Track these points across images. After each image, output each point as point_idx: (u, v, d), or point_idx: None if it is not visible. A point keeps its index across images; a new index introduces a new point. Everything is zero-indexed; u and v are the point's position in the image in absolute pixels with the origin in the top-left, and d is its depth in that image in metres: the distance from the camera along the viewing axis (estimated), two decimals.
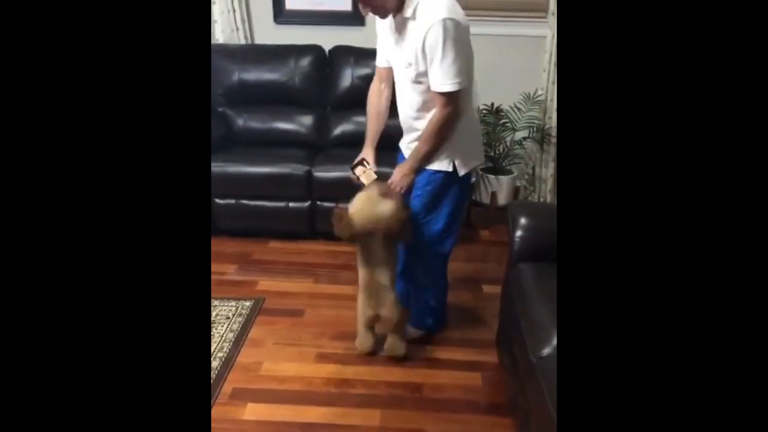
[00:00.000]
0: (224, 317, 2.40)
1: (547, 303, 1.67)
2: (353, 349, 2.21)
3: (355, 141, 3.35)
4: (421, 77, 1.87)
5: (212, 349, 2.19)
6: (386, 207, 1.94)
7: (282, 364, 2.14)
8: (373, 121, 2.20)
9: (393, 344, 2.15)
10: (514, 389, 1.82)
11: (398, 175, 2.03)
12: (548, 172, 3.58)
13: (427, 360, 2.18)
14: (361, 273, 2.08)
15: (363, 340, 2.18)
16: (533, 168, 3.62)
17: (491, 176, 3.34)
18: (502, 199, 3.36)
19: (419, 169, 2.01)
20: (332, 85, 3.39)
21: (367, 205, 1.97)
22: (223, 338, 2.27)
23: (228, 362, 2.13)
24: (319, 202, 3.10)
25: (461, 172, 2.01)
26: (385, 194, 1.98)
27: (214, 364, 2.11)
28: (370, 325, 2.15)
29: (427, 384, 2.04)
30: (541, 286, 1.76)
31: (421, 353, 2.22)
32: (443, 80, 1.81)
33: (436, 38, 1.75)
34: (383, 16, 1.88)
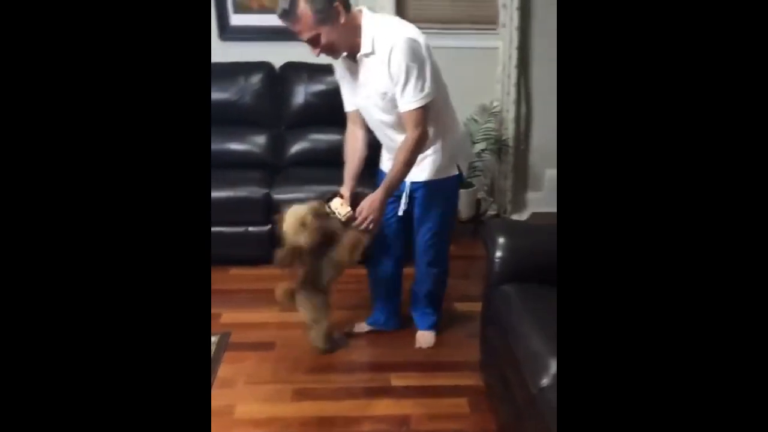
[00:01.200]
0: None
1: (540, 328, 1.62)
2: (331, 382, 2.12)
3: (314, 160, 3.26)
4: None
5: None
6: (306, 231, 1.93)
7: (257, 406, 2.01)
8: (350, 164, 2.13)
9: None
10: (506, 417, 1.77)
11: (369, 207, 1.94)
12: (507, 183, 3.58)
13: (409, 388, 2.10)
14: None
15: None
16: (492, 180, 3.62)
17: None
18: (464, 212, 3.33)
19: (390, 196, 1.98)
20: (286, 103, 3.28)
21: (292, 224, 1.94)
22: None
23: None
24: None
25: (464, 171, 2.14)
26: (318, 215, 1.96)
27: None
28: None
29: (413, 415, 1.96)
30: (530, 310, 1.72)
31: (402, 380, 2.14)
32: (410, 99, 1.83)
33: (398, 61, 1.78)
34: (336, 56, 1.90)
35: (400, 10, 3.30)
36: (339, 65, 1.99)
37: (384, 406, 2.01)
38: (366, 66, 1.87)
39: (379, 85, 1.85)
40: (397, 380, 2.14)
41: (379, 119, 1.98)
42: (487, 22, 3.42)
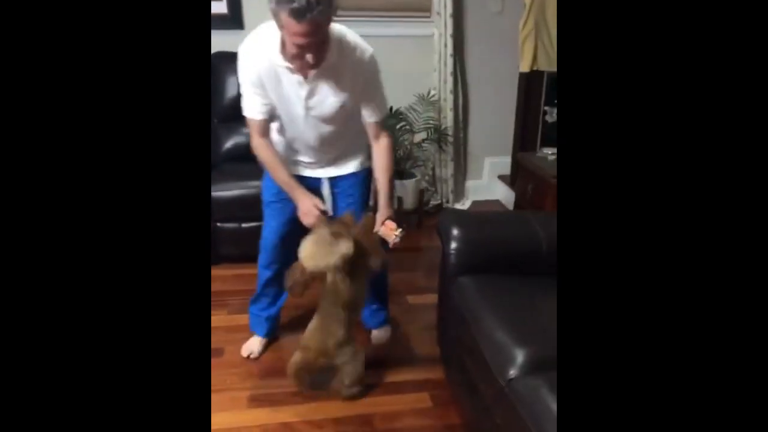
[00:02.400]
0: None
1: (503, 320, 1.63)
2: (287, 386, 2.04)
3: (249, 154, 3.13)
4: (353, 113, 1.84)
5: None
6: (342, 246, 1.71)
7: (213, 416, 1.91)
8: (283, 169, 1.94)
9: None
10: (472, 409, 1.76)
11: (392, 225, 1.86)
12: (448, 172, 3.60)
13: (369, 387, 2.06)
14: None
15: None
16: (433, 169, 3.62)
17: (396, 181, 3.28)
18: (408, 203, 3.32)
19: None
20: (217, 95, 3.13)
21: (319, 249, 1.74)
22: None
23: None
24: (219, 224, 2.86)
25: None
26: (337, 233, 1.75)
27: None
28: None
29: (377, 414, 1.93)
30: (489, 302, 1.72)
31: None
32: (382, 109, 1.89)
33: (370, 74, 1.79)
34: (315, 69, 1.67)
35: None
36: (262, 70, 1.73)
37: (346, 407, 1.96)
38: (323, 77, 1.71)
39: (339, 96, 1.75)
40: None
41: (317, 132, 1.85)
42: (421, 9, 3.40)
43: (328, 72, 1.71)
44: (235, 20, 3.25)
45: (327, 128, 1.86)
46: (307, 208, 1.88)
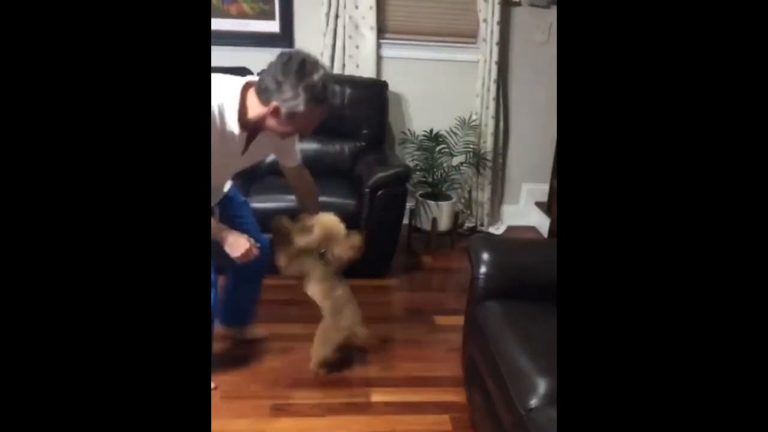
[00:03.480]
0: None
1: (527, 347, 1.62)
2: (310, 398, 2.08)
3: None
4: None
5: None
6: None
7: (234, 422, 1.96)
8: None
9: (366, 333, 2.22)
10: None
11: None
12: (485, 195, 3.60)
13: (390, 404, 2.07)
14: (324, 290, 2.13)
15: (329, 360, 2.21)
16: (469, 192, 3.63)
17: (431, 202, 3.30)
18: (442, 224, 3.33)
19: None
20: None
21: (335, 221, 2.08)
22: None
23: None
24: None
25: None
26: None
27: None
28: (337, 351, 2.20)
29: None
30: (515, 329, 1.72)
31: (382, 396, 2.11)
32: (297, 154, 2.07)
33: None
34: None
35: (381, 22, 3.30)
36: (219, 144, 1.69)
37: (366, 423, 1.97)
38: (262, 135, 1.81)
39: (268, 150, 1.99)
40: (377, 396, 2.11)
41: (227, 178, 2.09)
42: (468, 35, 3.44)
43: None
44: (285, 39, 3.36)
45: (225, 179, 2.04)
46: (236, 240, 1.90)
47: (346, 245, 2.08)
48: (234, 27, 3.30)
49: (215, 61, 3.33)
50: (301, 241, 2.06)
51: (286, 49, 1.66)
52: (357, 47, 3.31)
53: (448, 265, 3.26)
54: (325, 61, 3.34)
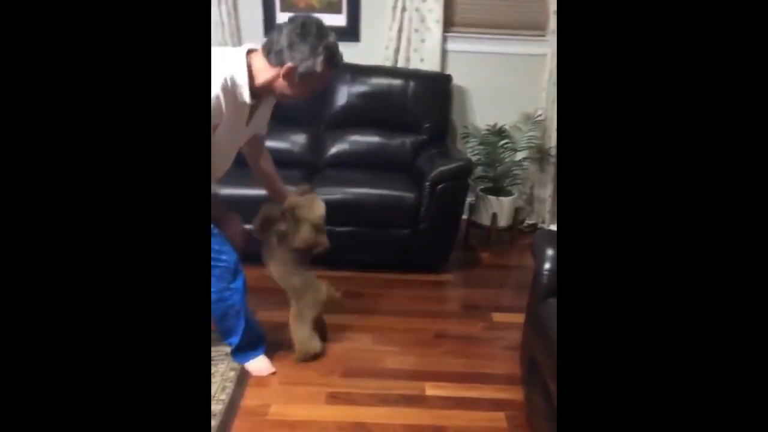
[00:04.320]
0: (223, 353, 2.24)
1: None
2: (365, 387, 2.09)
3: (352, 161, 3.25)
4: None
5: (213, 391, 2.03)
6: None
7: (291, 407, 1.99)
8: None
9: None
10: None
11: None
12: (546, 192, 3.52)
13: (444, 399, 2.06)
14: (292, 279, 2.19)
15: (314, 344, 2.24)
16: (531, 188, 3.55)
17: (492, 197, 3.25)
18: (503, 220, 3.27)
19: None
20: (327, 103, 3.27)
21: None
22: (225, 377, 2.11)
23: (232, 406, 1.97)
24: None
25: None
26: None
27: (217, 407, 1.95)
28: (316, 325, 2.26)
29: (449, 427, 1.92)
30: None
31: (437, 390, 2.10)
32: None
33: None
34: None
35: (448, 15, 3.27)
36: (223, 113, 1.70)
37: (419, 416, 1.97)
38: (263, 106, 1.89)
39: (264, 120, 2.01)
40: (432, 390, 2.10)
41: (232, 157, 1.99)
42: (536, 28, 3.36)
43: (270, 100, 1.88)
44: (352, 33, 3.38)
45: (235, 153, 1.98)
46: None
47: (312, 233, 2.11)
48: None
49: None
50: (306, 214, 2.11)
51: (296, 14, 1.73)
52: (423, 41, 3.30)
53: (507, 262, 3.20)
54: (389, 54, 3.34)
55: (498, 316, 2.61)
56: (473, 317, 2.60)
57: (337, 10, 3.35)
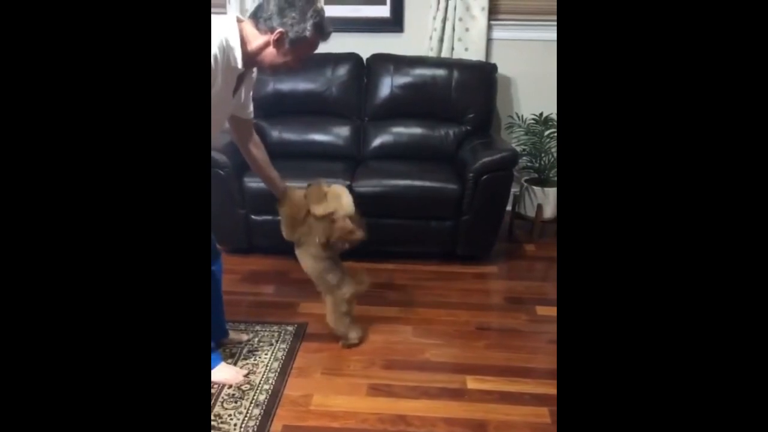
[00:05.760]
0: (267, 343, 2.29)
1: None
2: (406, 380, 2.09)
3: (395, 153, 3.24)
4: None
5: (257, 381, 2.08)
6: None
7: (333, 398, 2.02)
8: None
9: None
10: None
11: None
12: None
13: (486, 393, 2.04)
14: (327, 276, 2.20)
15: (355, 333, 2.29)
16: None
17: (537, 188, 3.19)
18: (548, 211, 3.21)
19: None
20: (370, 95, 3.27)
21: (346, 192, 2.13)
22: (269, 367, 2.16)
23: (276, 395, 2.02)
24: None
25: None
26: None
27: (261, 397, 1.99)
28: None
29: (491, 422, 1.90)
30: None
31: (479, 384, 2.09)
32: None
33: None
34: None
35: (492, 3, 3.21)
36: (222, 82, 1.69)
37: (460, 409, 1.96)
38: (247, 78, 1.86)
39: (249, 92, 1.92)
40: (473, 383, 2.09)
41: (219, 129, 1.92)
42: None
43: (250, 79, 1.86)
44: (396, 23, 3.38)
45: (220, 125, 1.91)
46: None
47: (350, 228, 2.11)
48: (345, 13, 3.35)
49: (325, 47, 3.42)
50: (318, 209, 2.08)
51: None
52: (467, 30, 3.25)
53: (552, 255, 3.14)
54: (433, 45, 3.31)
55: (542, 309, 2.57)
56: (517, 310, 2.57)
57: (380, 2, 3.35)
